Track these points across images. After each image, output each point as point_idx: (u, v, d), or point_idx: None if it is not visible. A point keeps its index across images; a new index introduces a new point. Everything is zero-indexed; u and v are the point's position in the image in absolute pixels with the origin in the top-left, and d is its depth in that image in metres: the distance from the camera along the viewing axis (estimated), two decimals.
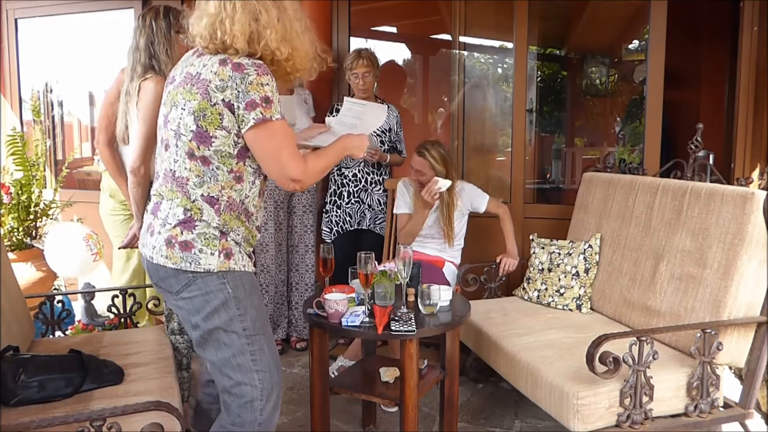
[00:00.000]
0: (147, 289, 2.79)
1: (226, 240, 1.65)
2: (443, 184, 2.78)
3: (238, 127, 1.59)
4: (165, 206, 1.66)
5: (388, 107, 3.48)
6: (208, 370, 1.83)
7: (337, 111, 3.38)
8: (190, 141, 1.60)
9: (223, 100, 1.55)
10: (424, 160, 2.92)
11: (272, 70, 1.63)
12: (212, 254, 1.62)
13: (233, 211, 1.65)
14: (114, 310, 2.63)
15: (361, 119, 2.18)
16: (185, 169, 1.62)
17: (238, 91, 1.55)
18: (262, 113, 1.56)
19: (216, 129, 1.58)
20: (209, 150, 1.59)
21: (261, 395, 1.69)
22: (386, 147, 3.43)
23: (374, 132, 3.38)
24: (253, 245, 1.77)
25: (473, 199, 3.05)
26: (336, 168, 3.45)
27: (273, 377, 1.71)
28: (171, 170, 1.65)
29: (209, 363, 1.73)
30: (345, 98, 2.97)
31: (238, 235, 1.68)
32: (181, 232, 1.62)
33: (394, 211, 3.16)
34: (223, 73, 1.55)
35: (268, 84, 1.57)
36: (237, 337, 1.66)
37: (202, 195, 1.62)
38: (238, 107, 1.56)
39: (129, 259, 2.89)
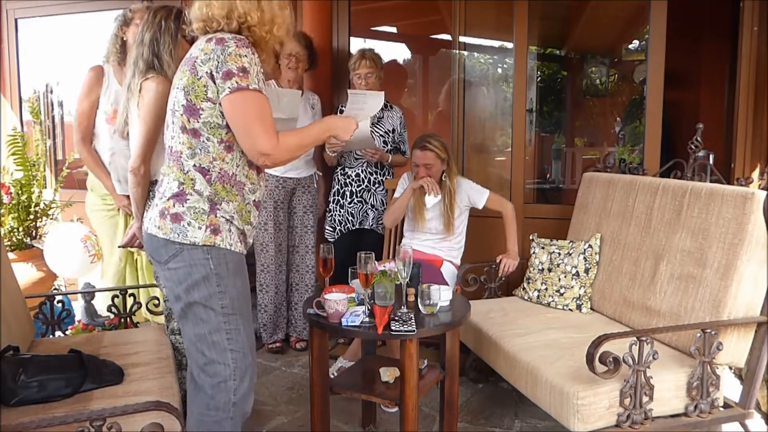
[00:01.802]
0: (142, 289, 2.80)
1: (215, 216, 1.70)
2: (429, 201, 2.94)
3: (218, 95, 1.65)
4: (164, 182, 1.75)
5: (392, 108, 3.49)
6: None
7: (341, 112, 3.40)
8: (182, 115, 1.69)
9: (206, 72, 1.64)
10: (429, 152, 2.96)
11: (254, 42, 1.71)
12: (199, 228, 1.68)
13: (226, 183, 1.71)
14: (114, 310, 2.63)
15: (363, 108, 2.20)
16: (179, 143, 1.71)
17: (218, 62, 1.63)
18: (237, 82, 1.62)
19: (202, 101, 1.65)
20: (198, 122, 1.67)
21: (234, 374, 1.73)
22: (389, 147, 3.43)
23: (378, 132, 3.39)
24: (249, 222, 1.79)
25: (470, 194, 3.05)
26: (339, 167, 3.45)
27: (246, 358, 1.75)
28: (169, 147, 1.75)
29: (185, 338, 1.77)
30: (348, 90, 2.96)
31: (231, 207, 1.72)
32: (174, 205, 1.70)
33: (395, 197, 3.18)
34: (208, 47, 1.65)
35: (246, 56, 1.64)
36: (214, 314, 1.71)
37: (194, 165, 1.69)
38: (217, 77, 1.63)
39: (111, 254, 2.90)
